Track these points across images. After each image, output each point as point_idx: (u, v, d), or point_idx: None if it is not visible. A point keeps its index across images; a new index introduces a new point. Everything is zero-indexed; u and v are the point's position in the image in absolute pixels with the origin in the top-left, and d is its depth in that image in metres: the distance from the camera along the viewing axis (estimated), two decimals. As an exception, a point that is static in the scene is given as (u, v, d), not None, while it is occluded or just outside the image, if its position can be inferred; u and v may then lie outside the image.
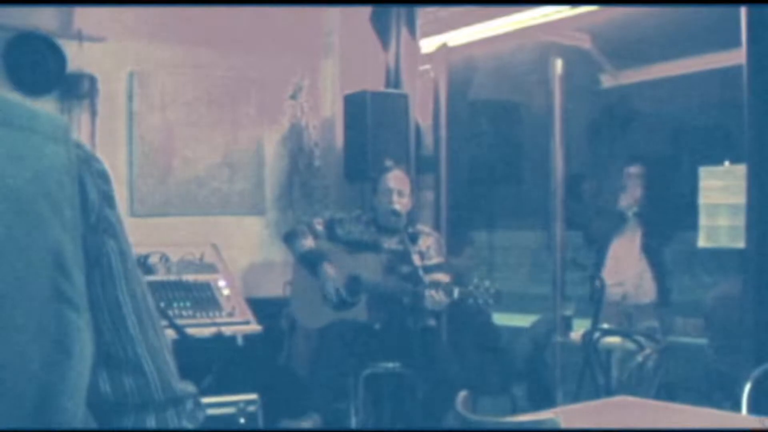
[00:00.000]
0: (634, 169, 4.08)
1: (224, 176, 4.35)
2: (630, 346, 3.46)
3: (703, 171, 3.47)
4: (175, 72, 4.23)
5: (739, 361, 3.00)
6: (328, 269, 3.74)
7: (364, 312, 3.70)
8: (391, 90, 4.51)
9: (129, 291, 0.79)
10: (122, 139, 4.12)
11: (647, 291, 4.03)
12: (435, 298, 3.52)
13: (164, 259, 3.81)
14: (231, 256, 4.11)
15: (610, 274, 4.11)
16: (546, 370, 4.28)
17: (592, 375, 3.60)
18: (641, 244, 4.02)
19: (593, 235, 4.31)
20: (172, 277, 3.72)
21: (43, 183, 0.71)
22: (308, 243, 3.84)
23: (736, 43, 3.10)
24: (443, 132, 4.56)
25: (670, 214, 4.12)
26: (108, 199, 0.79)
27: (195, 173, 4.27)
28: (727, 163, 3.45)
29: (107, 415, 0.79)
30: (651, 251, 4.01)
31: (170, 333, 3.12)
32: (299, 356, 4.09)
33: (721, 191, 3.36)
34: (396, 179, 3.79)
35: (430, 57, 4.63)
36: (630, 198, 4.07)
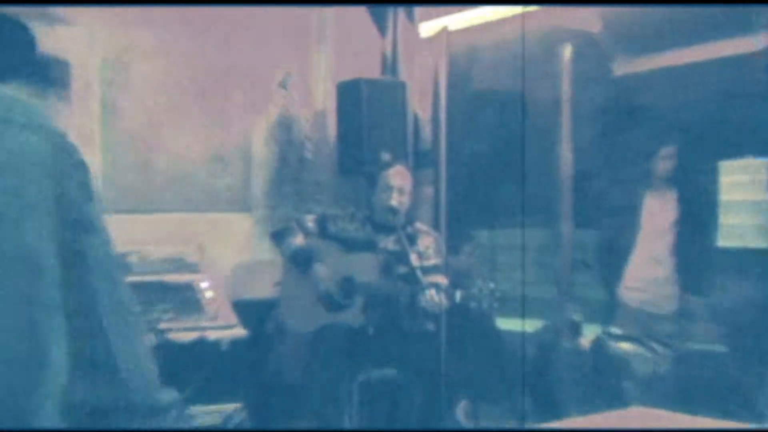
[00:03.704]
0: (667, 150, 4.05)
1: (208, 170, 4.36)
2: (644, 352, 3.46)
3: (724, 166, 3.47)
4: (154, 58, 4.21)
5: (763, 371, 2.99)
6: (320, 269, 3.74)
7: (358, 315, 3.70)
8: (387, 78, 4.51)
9: (107, 292, 0.78)
10: (98, 131, 4.11)
11: (669, 299, 4.01)
12: (434, 300, 3.51)
13: (143, 258, 3.80)
14: (215, 255, 4.13)
15: (630, 276, 4.09)
16: (552, 378, 4.28)
17: (603, 383, 3.60)
18: (672, 245, 3.97)
19: (609, 237, 4.29)
20: (152, 278, 3.73)
21: (15, 179, 0.70)
22: (298, 241, 3.84)
23: (762, 27, 3.08)
24: (443, 123, 4.55)
25: (686, 211, 4.10)
26: (87, 192, 0.78)
27: (176, 167, 4.28)
28: (749, 157, 3.45)
29: (84, 421, 0.78)
30: (681, 255, 3.96)
31: (149, 338, 3.11)
32: (288, 363, 4.09)
33: (742, 187, 3.35)
34: (398, 176, 3.80)
35: (429, 42, 4.62)
36: (666, 166, 4.02)
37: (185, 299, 3.71)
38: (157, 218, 4.19)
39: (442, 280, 3.65)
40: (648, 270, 4.09)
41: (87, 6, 3.88)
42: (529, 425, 3.85)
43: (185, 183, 4.31)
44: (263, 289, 4.18)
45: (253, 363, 3.93)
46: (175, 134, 4.27)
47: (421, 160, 4.55)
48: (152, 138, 4.23)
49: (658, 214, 4.06)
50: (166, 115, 4.25)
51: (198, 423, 3.36)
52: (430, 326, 3.83)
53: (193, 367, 3.38)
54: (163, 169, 4.25)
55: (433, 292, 3.51)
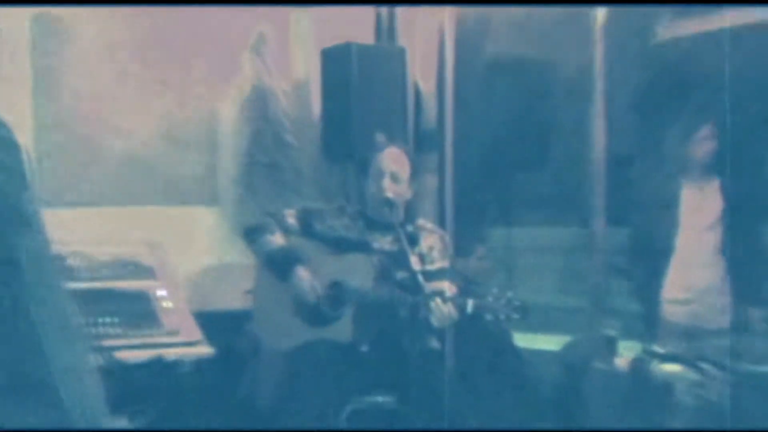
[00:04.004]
0: (705, 131, 4.07)
1: (166, 154, 4.36)
2: (692, 374, 3.48)
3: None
4: (98, 17, 4.21)
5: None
6: (302, 274, 3.74)
7: (347, 329, 3.72)
8: (382, 43, 4.51)
9: (43, 300, 0.78)
10: (28, 106, 4.10)
11: (721, 311, 4.02)
12: (440, 311, 3.53)
13: (87, 260, 3.80)
14: (175, 257, 4.13)
15: (673, 283, 4.11)
16: (582, 406, 4.30)
17: (644, 412, 3.62)
18: (722, 246, 3.99)
19: (649, 236, 4.31)
20: (98, 285, 3.74)
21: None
22: (276, 240, 3.85)
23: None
24: (449, 98, 4.56)
25: (747, 203, 4.12)
26: (20, 180, 0.78)
27: (128, 150, 4.30)
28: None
29: None
30: (733, 258, 3.98)
31: (94, 356, 3.12)
32: (264, 387, 4.10)
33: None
34: (392, 159, 3.81)
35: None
36: (704, 149, 4.04)
37: (138, 310, 3.72)
38: (104, 212, 4.20)
39: (448, 287, 3.67)
40: (695, 276, 4.10)
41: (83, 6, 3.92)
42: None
43: (138, 170, 4.32)
44: (233, 298, 4.19)
45: (221, 387, 3.94)
46: (125, 111, 4.28)
47: (423, 143, 4.57)
48: (97, 115, 4.22)
49: (702, 207, 4.08)
50: (113, 86, 4.24)
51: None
52: (435, 343, 3.85)
53: (148, 392, 3.39)
54: (110, 154, 4.26)
55: (438, 301, 3.53)
